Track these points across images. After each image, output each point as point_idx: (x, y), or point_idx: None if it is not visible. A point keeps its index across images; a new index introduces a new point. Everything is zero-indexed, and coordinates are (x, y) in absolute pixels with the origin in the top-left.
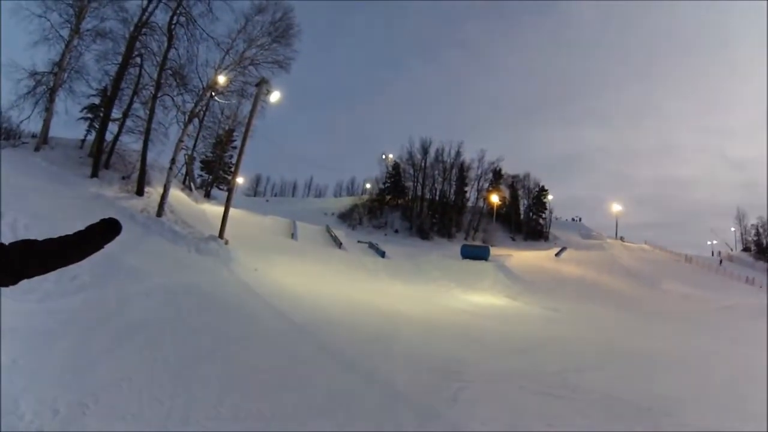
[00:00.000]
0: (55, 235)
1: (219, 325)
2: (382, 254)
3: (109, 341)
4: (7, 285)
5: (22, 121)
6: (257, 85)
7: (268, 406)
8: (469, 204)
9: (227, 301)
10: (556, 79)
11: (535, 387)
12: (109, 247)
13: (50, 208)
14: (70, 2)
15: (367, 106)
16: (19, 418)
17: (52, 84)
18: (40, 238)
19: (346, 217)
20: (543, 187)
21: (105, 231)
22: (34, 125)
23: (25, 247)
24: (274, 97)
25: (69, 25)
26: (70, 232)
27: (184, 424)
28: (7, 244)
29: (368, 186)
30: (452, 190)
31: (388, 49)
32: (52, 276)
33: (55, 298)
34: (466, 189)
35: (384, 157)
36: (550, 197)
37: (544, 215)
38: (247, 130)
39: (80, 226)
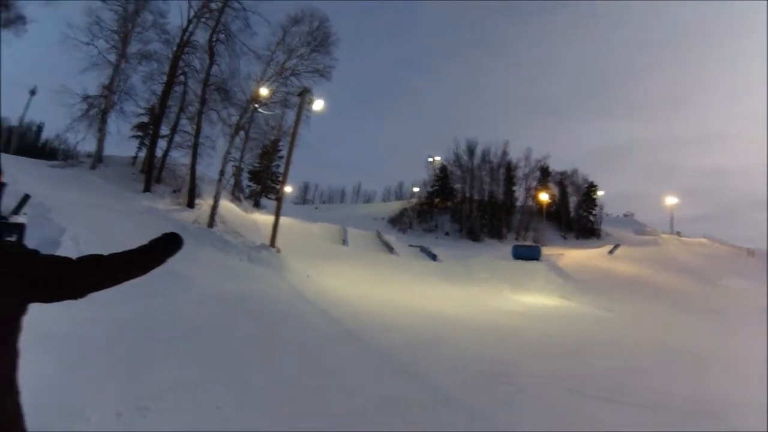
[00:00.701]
0: (114, 248)
1: (271, 332)
2: (434, 257)
3: (165, 348)
4: (76, 298)
5: (77, 143)
6: (299, 94)
7: (319, 410)
8: (518, 203)
9: (279, 308)
10: (589, 72)
11: (587, 390)
12: (170, 263)
13: (107, 223)
14: (115, 29)
15: (402, 109)
16: (85, 420)
17: (103, 106)
18: (99, 252)
19: (396, 222)
20: (592, 183)
21: (167, 245)
22: (89, 145)
23: (94, 261)
24: (317, 105)
25: (115, 50)
26: (131, 246)
27: (238, 427)
28: (75, 258)
29: (416, 189)
30: (501, 191)
31: (414, 51)
32: (115, 287)
33: (114, 306)
34: (515, 188)
35: (430, 160)
36: (599, 193)
37: (594, 212)
38: (293, 140)
39: (135, 238)
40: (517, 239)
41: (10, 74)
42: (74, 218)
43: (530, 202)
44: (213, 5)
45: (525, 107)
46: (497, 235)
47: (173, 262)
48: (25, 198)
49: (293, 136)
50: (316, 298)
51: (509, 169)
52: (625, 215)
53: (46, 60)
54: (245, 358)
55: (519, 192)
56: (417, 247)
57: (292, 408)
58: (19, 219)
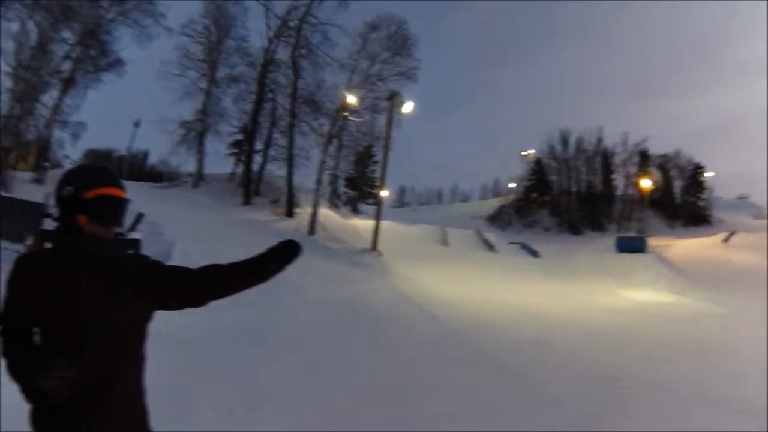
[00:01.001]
0: (219, 259)
1: (375, 334)
2: (535, 254)
3: (274, 351)
4: (196, 306)
5: (179, 165)
6: (388, 98)
7: (424, 411)
8: (618, 192)
9: (383, 310)
10: (683, 44)
11: (705, 396)
12: None
13: (212, 235)
14: (203, 58)
15: (492, 105)
16: (201, 418)
17: (199, 129)
18: (205, 262)
19: (495, 219)
20: (698, 164)
21: (285, 252)
22: (190, 166)
23: (215, 271)
24: (407, 107)
25: (205, 78)
26: (237, 255)
27: (343, 426)
28: (196, 268)
29: (512, 185)
30: (598, 180)
31: (499, 44)
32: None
33: (226, 312)
34: (613, 176)
35: (524, 153)
36: (707, 175)
37: (703, 196)
38: (386, 144)
39: (239, 248)
40: (619, 230)
41: (116, 110)
42: (182, 232)
43: (631, 190)
44: (291, 23)
45: (617, 90)
46: (598, 227)
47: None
48: (140, 216)
49: (386, 140)
50: (420, 300)
51: (606, 156)
52: (740, 198)
53: (145, 94)
54: (351, 360)
55: (618, 180)
56: (517, 244)
57: (400, 409)
58: (136, 235)
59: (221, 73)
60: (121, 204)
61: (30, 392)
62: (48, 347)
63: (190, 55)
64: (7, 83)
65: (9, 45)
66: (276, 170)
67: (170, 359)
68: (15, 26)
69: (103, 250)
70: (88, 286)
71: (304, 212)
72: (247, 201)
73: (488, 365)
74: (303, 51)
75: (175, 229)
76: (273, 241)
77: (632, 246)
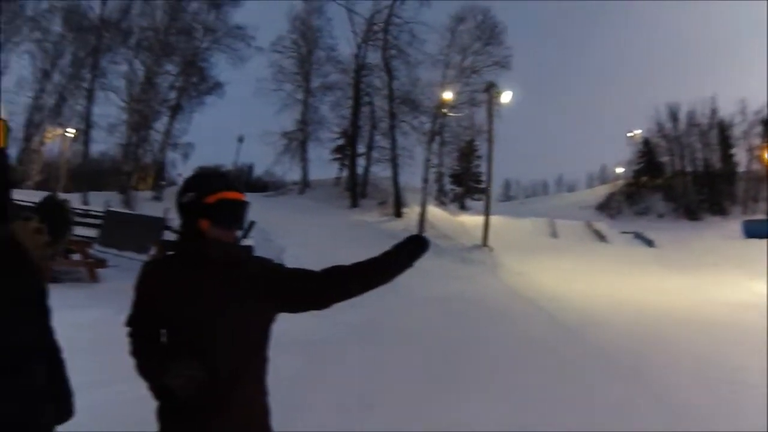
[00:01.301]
0: (330, 262)
1: (487, 331)
2: (650, 243)
3: (389, 350)
4: (319, 308)
5: (284, 174)
6: (486, 90)
7: (538, 415)
8: (741, 169)
9: (494, 306)
10: None
11: None
12: None
13: (322, 239)
14: (296, 71)
15: (591, 87)
16: (319, 415)
17: (301, 138)
18: (316, 266)
19: (604, 208)
20: None
21: (411, 249)
22: (295, 174)
23: (335, 272)
24: (505, 97)
25: (300, 89)
26: (348, 257)
27: (458, 426)
28: (319, 270)
29: (620, 170)
30: (716, 157)
31: (594, 19)
32: None
33: (341, 312)
34: (733, 151)
35: (630, 135)
36: None
37: None
38: (490, 137)
39: (350, 250)
40: (744, 213)
41: (220, 129)
42: (292, 238)
43: (755, 166)
44: (376, 27)
45: (729, 51)
46: (719, 210)
47: None
48: (251, 224)
49: (489, 133)
50: (532, 295)
51: (722, 129)
52: None
53: (246, 111)
54: (466, 358)
55: (739, 155)
56: (630, 233)
57: (509, 410)
58: (248, 242)
59: (315, 82)
60: (241, 207)
61: (158, 390)
62: (175, 348)
63: (283, 69)
64: (123, 116)
65: (121, 83)
66: (380, 172)
67: (289, 360)
68: (124, 67)
69: (226, 253)
70: (211, 289)
71: (412, 211)
72: (354, 204)
73: (607, 368)
74: (393, 52)
75: (285, 235)
76: (383, 242)
77: (763, 230)
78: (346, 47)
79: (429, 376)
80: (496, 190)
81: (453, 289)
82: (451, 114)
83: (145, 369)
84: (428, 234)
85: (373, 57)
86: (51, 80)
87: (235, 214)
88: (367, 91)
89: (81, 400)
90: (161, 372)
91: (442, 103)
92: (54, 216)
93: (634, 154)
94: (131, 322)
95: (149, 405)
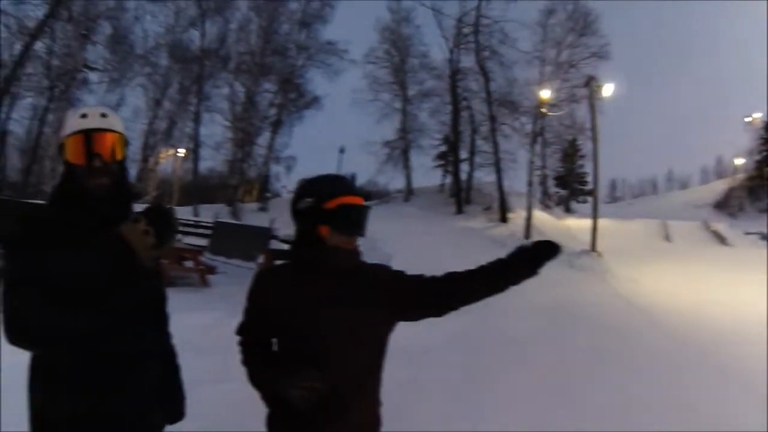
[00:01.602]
0: (437, 270)
1: (594, 343)
2: None
3: (489, 359)
4: (436, 316)
5: (387, 183)
6: (586, 85)
7: None
8: None
9: (602, 316)
10: None
11: None
12: None
13: (428, 246)
14: (392, 80)
15: (700, 68)
16: (416, 423)
17: (402, 147)
18: (424, 273)
19: (723, 206)
20: None
21: (539, 254)
22: (398, 183)
23: (454, 279)
24: (607, 90)
25: (398, 98)
26: (454, 265)
27: None
28: (436, 277)
29: (740, 162)
30: None
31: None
32: None
33: (442, 319)
34: None
35: (748, 119)
36: None
37: None
38: (594, 135)
39: (455, 257)
40: None
41: (321, 141)
42: (399, 245)
43: None
44: (465, 30)
45: None
46: None
47: None
48: None
49: (593, 130)
50: (645, 305)
51: None
52: None
53: (345, 122)
54: (569, 370)
55: None
56: (756, 234)
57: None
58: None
59: (412, 90)
60: (362, 212)
61: (273, 400)
62: (291, 358)
63: (378, 80)
64: (228, 134)
65: (224, 105)
66: (484, 177)
67: (389, 367)
68: (225, 90)
69: (346, 260)
70: (330, 298)
71: (517, 216)
72: (459, 210)
73: (741, 393)
74: (486, 53)
75: (391, 242)
76: (489, 248)
77: None
78: (438, 53)
79: (533, 389)
80: (601, 190)
81: (560, 296)
82: (551, 113)
83: (259, 378)
84: (536, 239)
85: (467, 60)
86: (162, 107)
87: (356, 219)
88: (464, 95)
89: (190, 398)
90: (279, 382)
91: (542, 102)
92: (160, 220)
93: (754, 141)
94: (243, 330)
95: (257, 406)
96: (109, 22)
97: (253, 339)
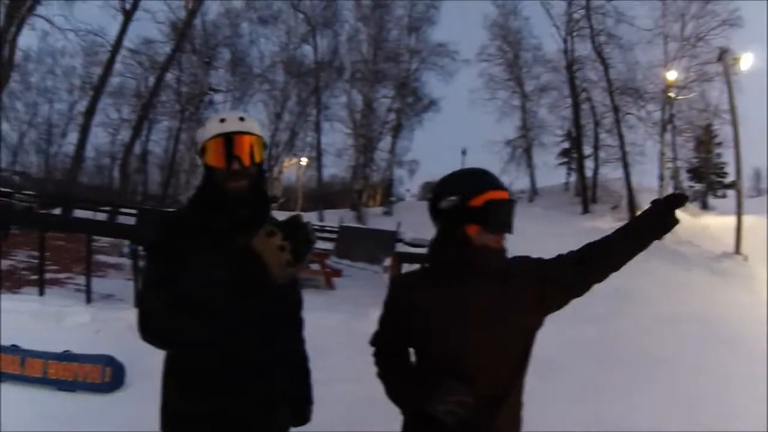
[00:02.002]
0: None
1: (729, 362)
2: None
3: (620, 373)
4: (579, 295)
5: (511, 183)
6: (719, 59)
7: None
8: None
9: (742, 331)
10: None
11: None
12: (618, 278)
13: (555, 246)
14: (507, 77)
15: None
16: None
17: (524, 145)
18: None
19: None
20: None
21: (670, 204)
22: (522, 183)
23: (593, 248)
24: (745, 62)
25: (516, 94)
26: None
27: None
28: (571, 253)
29: None
30: None
31: None
32: (569, 306)
33: (572, 326)
34: None
35: None
36: None
37: None
38: (733, 118)
39: None
40: None
41: (443, 143)
42: (526, 246)
43: None
44: (576, 15)
45: None
46: None
47: (628, 281)
48: None
49: (732, 111)
50: None
51: None
52: None
53: (465, 123)
54: (708, 395)
55: None
56: None
57: None
58: None
59: (529, 86)
60: (510, 207)
61: (416, 415)
62: (437, 370)
63: (493, 78)
64: (349, 141)
65: (343, 113)
66: (610, 173)
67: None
68: (343, 99)
69: (495, 261)
70: (479, 303)
71: None
72: (585, 210)
73: None
74: (602, 38)
75: (518, 242)
76: None
77: None
78: (551, 43)
79: (663, 411)
80: (744, 182)
81: (699, 306)
82: (680, 96)
83: (400, 393)
84: (668, 240)
85: (582, 48)
86: (282, 120)
87: (504, 216)
88: (583, 86)
89: (314, 396)
90: (426, 398)
91: (669, 86)
92: (297, 235)
93: None
94: (378, 340)
95: (378, 406)
96: (228, 48)
97: (391, 350)
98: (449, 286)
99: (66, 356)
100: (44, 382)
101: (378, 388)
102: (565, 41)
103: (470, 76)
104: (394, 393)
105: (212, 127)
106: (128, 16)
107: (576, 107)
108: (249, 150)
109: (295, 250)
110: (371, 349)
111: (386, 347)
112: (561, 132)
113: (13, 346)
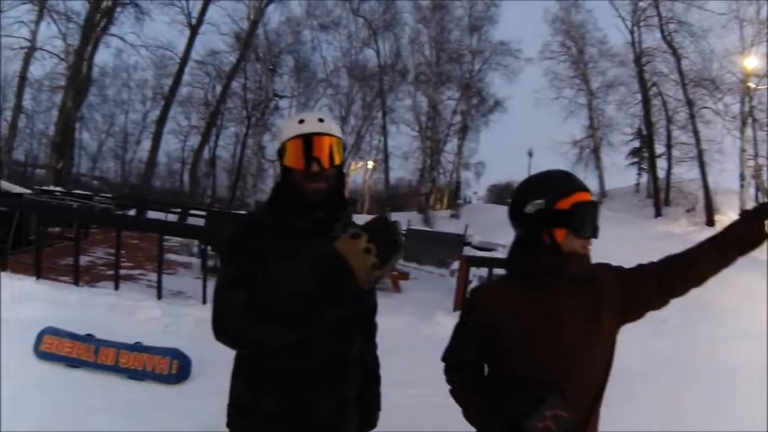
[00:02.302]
0: None
1: None
2: None
3: (701, 388)
4: (659, 308)
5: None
6: None
7: None
8: None
9: None
10: None
11: None
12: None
13: (626, 252)
14: (572, 75)
15: None
16: None
17: (592, 145)
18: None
19: None
20: None
21: (760, 214)
22: (591, 184)
23: (673, 261)
24: None
25: (582, 92)
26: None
27: None
28: (654, 263)
29: None
30: None
31: None
32: (644, 319)
33: (648, 339)
34: None
35: None
36: None
37: None
38: None
39: None
40: None
41: (509, 144)
42: (595, 252)
43: None
44: (643, 3)
45: None
46: None
47: (708, 292)
48: None
49: None
50: None
51: None
52: None
53: (531, 123)
54: None
55: None
56: None
57: None
58: None
59: (595, 82)
60: (596, 210)
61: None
62: (529, 384)
63: (558, 75)
64: (415, 144)
65: (408, 116)
66: (684, 173)
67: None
68: (408, 102)
69: (583, 267)
70: (571, 310)
71: (726, 219)
72: (657, 213)
73: None
74: (672, 26)
75: (595, 250)
76: None
77: None
78: (617, 36)
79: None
80: None
81: None
82: (761, 86)
83: (483, 410)
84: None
85: (651, 39)
86: (348, 124)
87: (592, 219)
88: (653, 80)
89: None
90: (517, 413)
91: (748, 75)
92: (384, 237)
93: None
94: (453, 354)
95: (444, 411)
96: (291, 55)
97: (467, 366)
98: (537, 294)
99: (137, 347)
100: (115, 370)
101: (444, 394)
102: (631, 32)
103: (535, 75)
104: (476, 411)
105: (291, 128)
106: (194, 30)
107: (646, 103)
108: (328, 151)
109: (381, 253)
110: (440, 353)
111: (462, 363)
112: (631, 130)
113: (89, 335)
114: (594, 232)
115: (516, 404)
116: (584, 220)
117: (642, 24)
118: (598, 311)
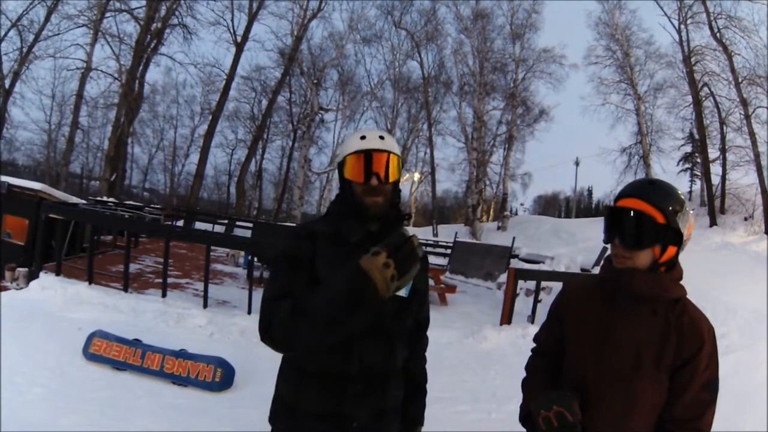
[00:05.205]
0: (697, 293)
1: None
2: None
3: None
4: (655, 401)
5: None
6: None
7: None
8: None
9: None
10: None
11: None
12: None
13: (686, 266)
14: (619, 79)
15: None
16: None
17: (641, 152)
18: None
19: None
20: None
21: None
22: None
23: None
24: None
25: (630, 97)
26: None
27: None
28: (688, 407)
29: None
30: None
31: None
32: None
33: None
34: None
35: None
36: None
37: None
38: None
39: (712, 279)
40: None
41: (556, 154)
42: None
43: None
44: (688, 1)
45: None
46: None
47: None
48: (603, 250)
49: None
50: None
51: None
52: None
53: (577, 132)
54: None
55: None
56: None
57: None
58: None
59: (642, 86)
60: (624, 218)
61: (522, 412)
62: (570, 382)
63: (604, 81)
64: (462, 155)
65: (454, 127)
66: (741, 178)
67: None
68: (453, 113)
69: (646, 285)
70: (618, 331)
71: None
72: (713, 222)
73: None
74: (721, 22)
75: None
76: (754, 267)
77: None
78: (664, 36)
79: None
80: None
81: None
82: None
83: (525, 385)
84: None
85: (699, 36)
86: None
87: (617, 226)
88: (704, 80)
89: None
90: (534, 396)
91: None
92: (400, 252)
93: None
94: (536, 339)
95: (488, 427)
96: (335, 69)
97: (543, 349)
98: (600, 303)
99: (182, 354)
100: (160, 374)
101: (490, 410)
102: (678, 31)
103: (580, 82)
104: (523, 386)
105: (353, 143)
106: (240, 47)
107: (697, 105)
108: (387, 167)
109: (399, 266)
110: (486, 368)
111: (540, 346)
112: (681, 135)
113: (136, 340)
114: (626, 241)
115: (542, 390)
116: (608, 226)
117: (689, 21)
118: (648, 350)
